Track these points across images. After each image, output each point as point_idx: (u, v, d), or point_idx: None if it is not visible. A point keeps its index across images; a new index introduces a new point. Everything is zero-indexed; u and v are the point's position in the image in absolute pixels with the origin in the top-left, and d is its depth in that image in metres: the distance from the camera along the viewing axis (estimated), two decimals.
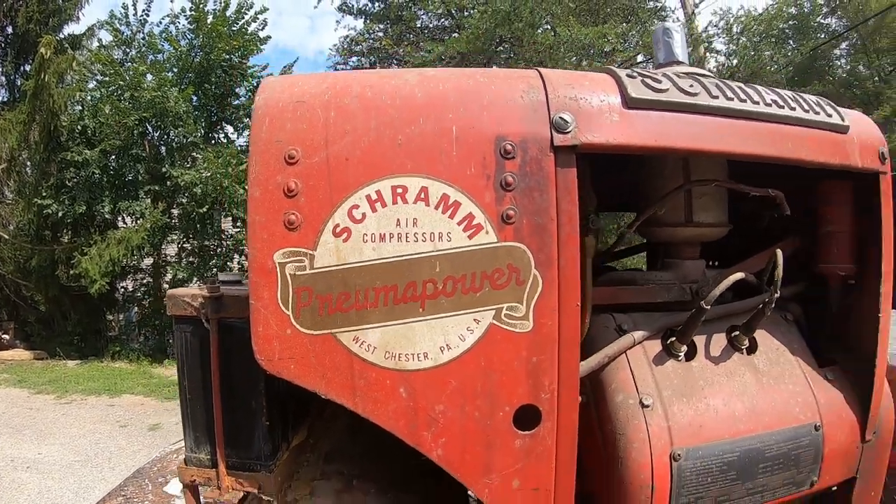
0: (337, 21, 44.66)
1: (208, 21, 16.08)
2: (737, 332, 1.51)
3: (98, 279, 15.23)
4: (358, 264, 1.10)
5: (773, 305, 1.54)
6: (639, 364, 1.40)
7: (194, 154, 17.95)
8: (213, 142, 19.23)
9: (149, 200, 16.81)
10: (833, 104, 1.52)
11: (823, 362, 1.63)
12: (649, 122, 1.23)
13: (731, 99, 1.31)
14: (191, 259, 18.41)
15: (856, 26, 22.36)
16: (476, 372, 1.14)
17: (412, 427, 1.14)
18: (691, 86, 1.29)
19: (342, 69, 23.05)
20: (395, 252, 1.11)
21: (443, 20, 20.83)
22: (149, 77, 16.30)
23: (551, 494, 1.21)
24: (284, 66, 21.39)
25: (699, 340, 1.50)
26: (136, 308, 19.47)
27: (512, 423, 1.16)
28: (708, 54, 17.46)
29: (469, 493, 1.90)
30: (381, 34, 21.98)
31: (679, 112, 1.26)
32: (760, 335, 1.57)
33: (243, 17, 17.06)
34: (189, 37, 16.91)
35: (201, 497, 1.62)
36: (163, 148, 18.20)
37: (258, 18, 17.50)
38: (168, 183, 17.30)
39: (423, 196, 1.11)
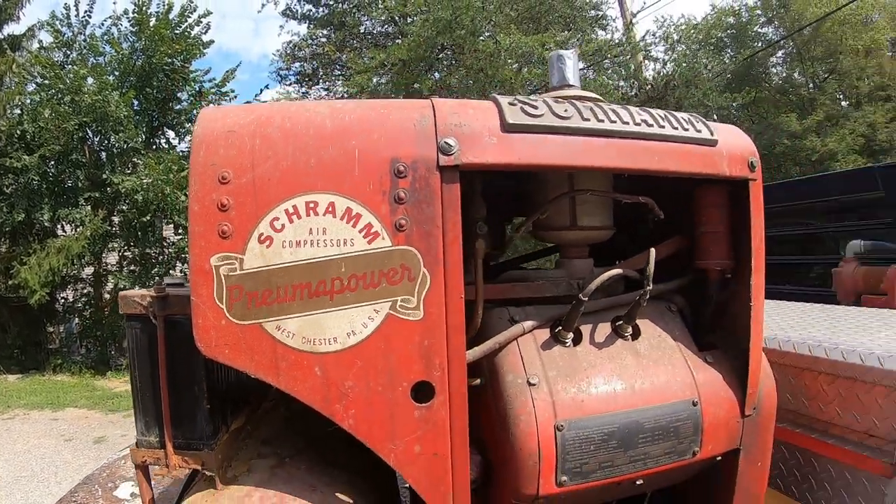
0: (280, 26, 44.97)
1: (151, 24, 16.03)
2: (620, 322, 1.82)
3: (38, 289, 15.08)
4: (279, 266, 1.37)
5: (654, 297, 1.86)
6: (528, 349, 1.69)
7: (135, 160, 17.87)
8: (154, 147, 19.14)
9: (89, 208, 16.69)
10: (704, 120, 1.84)
11: (704, 347, 1.94)
12: (524, 143, 1.52)
13: (602, 121, 1.60)
14: (132, 268, 18.27)
15: (791, 35, 23.26)
16: (377, 353, 1.42)
17: (326, 401, 1.41)
18: (566, 110, 1.58)
19: (285, 74, 23.08)
20: (309, 255, 1.38)
21: (386, 27, 21.04)
22: (90, 80, 16.20)
23: (448, 459, 1.49)
24: (227, 71, 21.25)
25: (586, 329, 1.81)
26: (76, 319, 19.24)
27: (410, 396, 1.45)
28: (645, 62, 18.00)
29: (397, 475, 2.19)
30: (324, 40, 22.10)
31: (552, 134, 1.55)
32: (644, 324, 1.88)
33: (186, 21, 17.02)
34: (131, 39, 16.82)
35: (151, 477, 1.87)
36: (103, 154, 18.05)
37: (201, 22, 17.45)
38: (108, 190, 17.19)
39: (330, 209, 1.39)
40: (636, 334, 1.84)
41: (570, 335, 1.76)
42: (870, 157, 20.14)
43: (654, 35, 19.07)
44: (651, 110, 1.76)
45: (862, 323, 2.75)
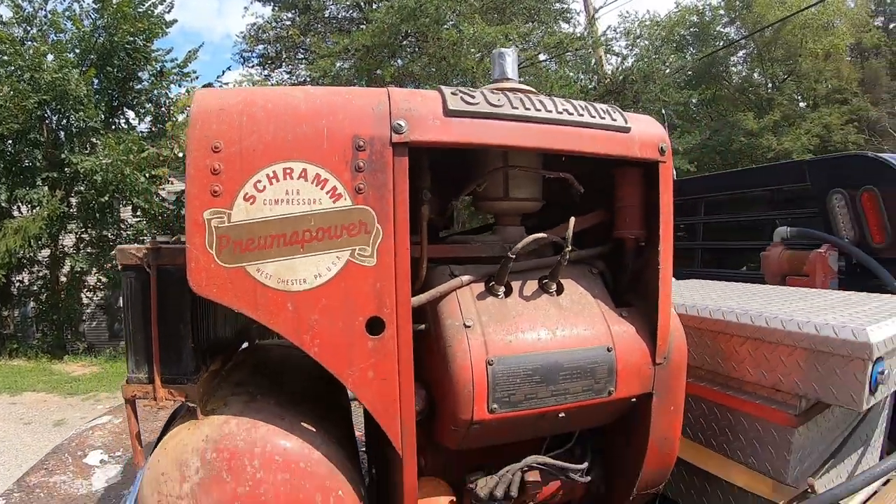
0: (245, 7, 44.90)
1: (114, 1, 15.94)
2: (546, 280, 2.18)
3: None
4: (260, 220, 1.70)
5: (578, 262, 2.26)
6: (465, 299, 2.05)
7: (93, 140, 17.78)
8: (112, 128, 19.04)
9: (46, 188, 16.58)
10: (620, 111, 2.20)
11: (620, 305, 2.30)
12: (462, 125, 1.88)
13: (529, 109, 1.96)
14: (89, 250, 18.20)
15: (752, 34, 23.85)
16: (338, 292, 1.76)
17: (296, 332, 1.74)
18: (499, 99, 1.94)
19: (248, 56, 23.12)
20: (285, 212, 1.71)
21: (351, 12, 21.17)
22: (49, 58, 16.05)
23: (396, 383, 1.83)
24: (189, 51, 21.14)
25: (516, 284, 2.17)
26: (32, 303, 19.10)
27: (365, 329, 1.79)
28: (606, 56, 18.46)
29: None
30: (288, 23, 22.13)
31: (485, 118, 1.91)
32: (568, 283, 2.24)
33: None
34: (93, 17, 16.74)
35: (138, 412, 2.18)
36: (61, 133, 17.91)
37: (164, 0, 17.44)
38: (67, 170, 17.07)
39: (303, 175, 1.72)
40: (560, 290, 2.21)
41: (502, 288, 2.12)
42: None
43: (615, 30, 19.50)
44: (573, 101, 2.12)
45: (775, 296, 3.14)
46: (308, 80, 19.63)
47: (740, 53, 27.78)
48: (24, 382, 13.63)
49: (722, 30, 27.26)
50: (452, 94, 1.90)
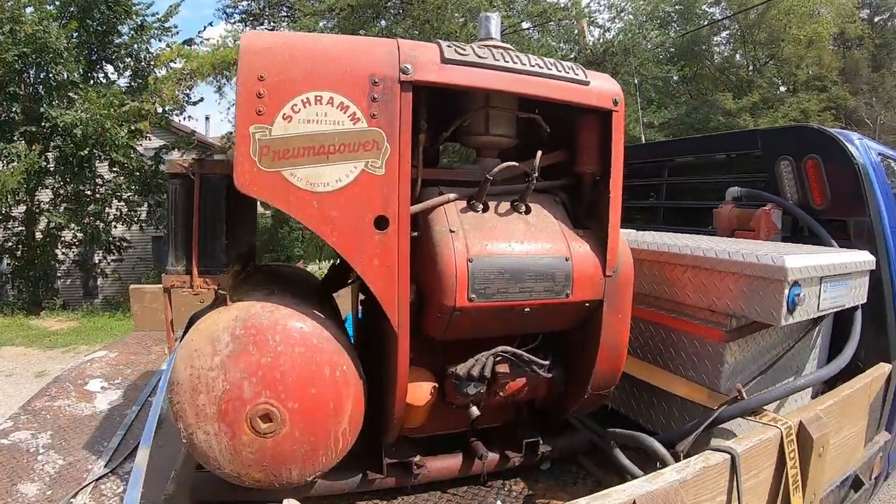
0: None
1: None
2: (517, 202, 2.70)
3: None
4: (294, 135, 2.18)
5: (544, 191, 2.79)
6: (450, 211, 2.56)
7: (71, 94, 17.84)
8: (91, 82, 19.09)
9: (23, 142, 16.63)
10: (583, 69, 2.72)
11: (578, 227, 2.81)
12: (454, 70, 2.39)
13: (508, 62, 2.48)
14: (66, 206, 18.31)
15: (736, 14, 24.10)
16: (354, 195, 2.26)
17: (319, 224, 2.24)
18: (484, 53, 2.45)
19: (231, 12, 23.12)
20: (314, 130, 2.20)
21: None
22: (29, 10, 16.14)
23: (395, 270, 2.34)
24: (170, 6, 21.13)
25: (493, 204, 2.68)
26: (7, 259, 19.28)
27: (373, 225, 2.30)
28: (589, 28, 18.82)
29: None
30: None
31: (473, 67, 2.43)
32: (535, 206, 2.75)
33: None
34: None
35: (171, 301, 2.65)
36: (40, 87, 17.91)
37: None
38: (45, 124, 17.13)
39: (330, 101, 2.21)
40: (528, 211, 2.72)
41: (480, 206, 2.64)
42: None
43: (599, 2, 19.74)
44: (545, 59, 2.63)
45: (716, 240, 3.68)
46: None
47: (723, 34, 28.16)
48: (2, 337, 13.83)
49: (707, 9, 27.62)
50: (448, 46, 2.40)
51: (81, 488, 2.86)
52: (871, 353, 3.73)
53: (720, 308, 3.09)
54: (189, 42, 20.81)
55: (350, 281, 3.22)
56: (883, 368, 3.57)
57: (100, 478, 2.99)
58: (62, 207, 18.82)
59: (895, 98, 28.27)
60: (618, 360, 2.89)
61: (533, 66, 2.54)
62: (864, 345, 3.65)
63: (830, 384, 3.40)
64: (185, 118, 21.74)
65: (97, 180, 19.20)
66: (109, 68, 20.69)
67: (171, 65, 19.30)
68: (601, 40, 18.38)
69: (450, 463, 2.95)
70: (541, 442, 3.04)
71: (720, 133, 8.11)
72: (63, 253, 20.06)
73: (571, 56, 18.25)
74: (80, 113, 16.56)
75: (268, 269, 3.23)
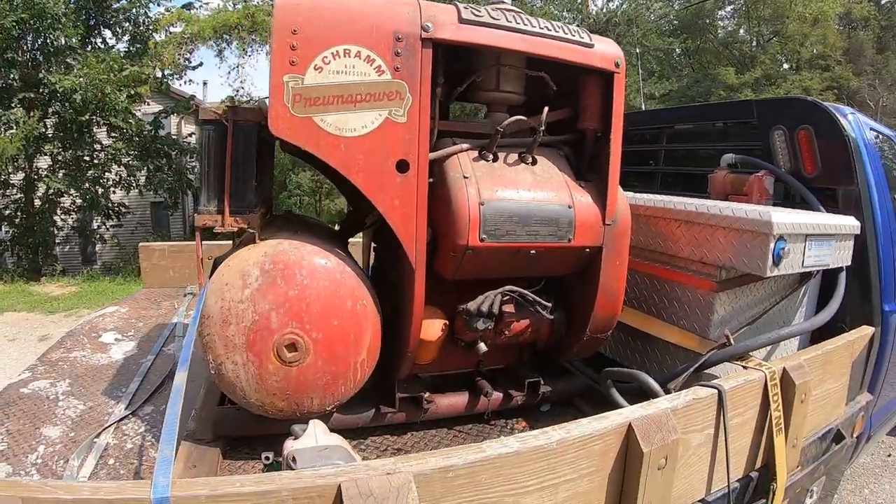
0: None
1: None
2: (524, 153, 2.94)
3: None
4: (325, 84, 2.40)
5: (550, 145, 3.03)
6: (464, 160, 2.79)
7: (69, 60, 17.87)
8: (89, 47, 19.11)
9: (21, 109, 16.66)
10: (588, 32, 2.95)
11: (580, 178, 3.05)
12: (470, 30, 2.61)
13: (518, 24, 2.71)
14: (64, 172, 18.39)
15: None
16: (378, 139, 2.49)
17: (345, 165, 2.47)
18: (497, 15, 2.68)
19: None
20: (343, 80, 2.42)
21: None
22: None
23: (414, 211, 2.58)
24: None
25: (502, 155, 2.91)
26: (6, 227, 19.40)
27: (395, 168, 2.53)
28: None
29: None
30: None
31: (486, 27, 2.65)
32: (541, 159, 2.99)
33: None
34: None
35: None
36: (38, 53, 17.91)
37: None
38: (43, 90, 17.17)
39: (358, 55, 2.43)
40: (534, 163, 2.96)
41: (490, 156, 2.87)
42: None
43: None
44: (552, 22, 2.87)
45: (708, 200, 3.92)
46: None
47: (728, 8, 28.11)
48: (3, 304, 13.92)
49: None
50: (465, 7, 2.63)
51: (104, 429, 3.02)
52: (855, 319, 3.95)
53: (711, 260, 3.34)
54: (188, 6, 20.86)
55: (367, 225, 3.44)
56: (866, 330, 3.79)
57: (121, 419, 3.16)
58: (60, 174, 18.89)
59: None
60: (615, 305, 3.14)
61: (542, 28, 2.78)
62: (850, 311, 3.94)
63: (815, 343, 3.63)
64: (185, 82, 21.83)
65: (95, 146, 19.27)
66: (107, 33, 20.67)
67: (171, 29, 19.40)
68: (604, 10, 18.51)
69: (456, 400, 3.20)
70: (542, 382, 3.29)
71: (717, 102, 8.31)
72: (62, 219, 20.18)
73: (575, 25, 18.33)
74: (80, 78, 16.60)
75: (287, 216, 3.44)
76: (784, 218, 3.13)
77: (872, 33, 29.56)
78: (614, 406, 3.06)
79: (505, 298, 3.00)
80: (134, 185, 20.62)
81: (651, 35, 17.94)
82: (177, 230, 25.70)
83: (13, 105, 16.74)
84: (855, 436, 4.02)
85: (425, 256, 2.65)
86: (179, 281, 6.21)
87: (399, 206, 2.56)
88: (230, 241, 4.10)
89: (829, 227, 3.50)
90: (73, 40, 17.78)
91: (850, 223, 3.73)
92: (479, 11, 2.66)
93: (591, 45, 2.90)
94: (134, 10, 20.18)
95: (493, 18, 2.67)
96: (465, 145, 2.85)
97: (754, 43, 27.40)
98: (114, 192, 20.48)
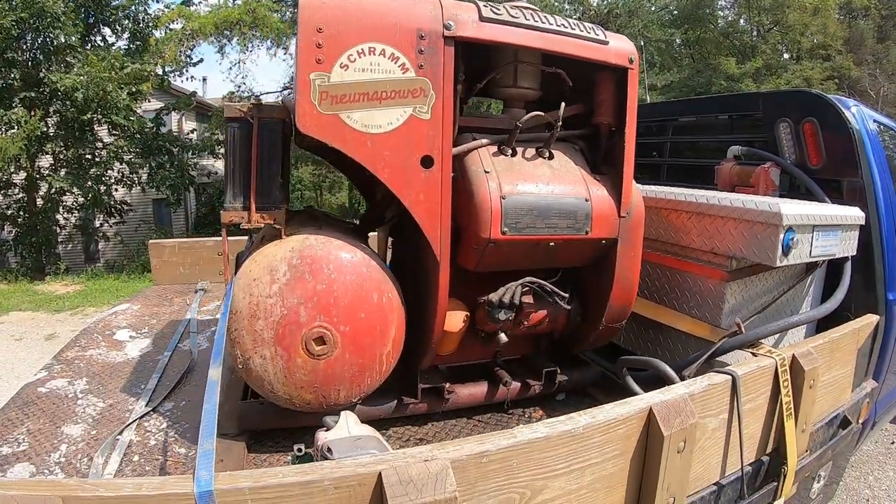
0: None
1: None
2: (541, 148, 3.01)
3: None
4: (350, 81, 2.46)
5: (565, 139, 3.09)
6: (484, 155, 2.87)
7: (68, 59, 17.89)
8: (89, 46, 19.13)
9: (22, 109, 16.64)
10: (602, 29, 3.01)
11: (595, 172, 3.13)
12: (490, 28, 2.68)
13: (536, 21, 2.78)
14: (66, 170, 18.43)
15: None
16: (403, 136, 2.55)
17: (372, 162, 2.53)
18: (515, 14, 2.74)
19: None
20: (369, 78, 2.48)
21: None
22: None
23: (439, 205, 2.65)
24: None
25: (521, 150, 2.98)
26: (8, 226, 19.43)
27: (420, 163, 2.59)
28: None
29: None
30: None
31: (506, 25, 2.72)
32: (557, 153, 3.06)
33: None
34: None
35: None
36: (38, 52, 17.90)
37: None
38: (44, 89, 17.18)
39: (382, 52, 2.49)
40: (551, 157, 3.03)
41: (510, 151, 2.95)
42: None
43: None
44: (568, 19, 2.93)
45: (718, 192, 4.00)
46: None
47: None
48: (8, 303, 13.90)
49: None
50: (484, 6, 2.70)
51: (126, 426, 3.03)
52: (860, 308, 4.03)
53: (722, 251, 3.43)
54: (188, 2, 20.87)
55: (386, 220, 3.51)
56: (871, 319, 3.87)
57: (143, 416, 3.19)
58: (62, 172, 18.92)
59: None
60: (630, 294, 3.23)
61: (558, 26, 2.85)
62: (854, 299, 4.02)
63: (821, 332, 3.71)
64: (187, 79, 21.86)
65: (97, 144, 19.30)
66: (107, 31, 20.73)
67: (171, 26, 19.43)
68: (605, 1, 18.51)
69: (476, 390, 3.29)
70: (558, 371, 3.37)
71: (723, 94, 8.38)
72: (65, 218, 20.23)
73: (575, 17, 18.39)
74: (81, 76, 16.62)
75: (308, 212, 3.50)
76: (793, 209, 3.22)
77: (873, 22, 29.52)
78: (629, 394, 3.15)
79: (525, 290, 3.07)
80: (136, 182, 20.67)
81: (652, 26, 17.95)
82: (179, 227, 25.69)
83: (14, 105, 16.77)
84: (860, 422, 4.09)
85: (449, 246, 2.73)
86: (190, 277, 6.25)
87: (424, 200, 2.63)
88: (241, 237, 4.14)
89: (835, 217, 3.59)
90: (73, 39, 17.79)
91: (855, 214, 3.80)
92: (499, 9, 2.73)
93: (605, 42, 2.97)
94: (133, 8, 20.21)
95: (513, 16, 2.74)
96: (484, 140, 2.93)
97: (755, 33, 27.38)
98: (116, 189, 20.54)
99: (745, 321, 3.30)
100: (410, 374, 3.12)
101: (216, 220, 24.72)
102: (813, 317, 3.62)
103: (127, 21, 20.50)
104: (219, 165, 24.94)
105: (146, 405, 3.32)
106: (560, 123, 2.98)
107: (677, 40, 23.59)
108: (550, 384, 3.38)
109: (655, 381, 3.07)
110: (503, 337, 3.12)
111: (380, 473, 1.65)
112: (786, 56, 27.59)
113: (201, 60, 21.29)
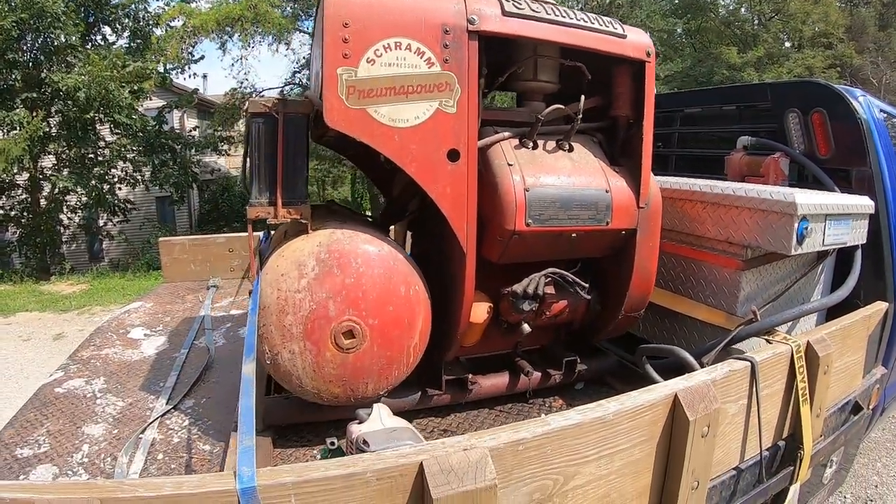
0: None
1: None
2: (561, 140, 3.05)
3: None
4: (377, 76, 2.49)
5: (585, 132, 3.12)
6: (506, 148, 2.90)
7: (69, 59, 17.90)
8: (90, 45, 19.15)
9: (24, 109, 16.64)
10: (620, 24, 3.05)
11: (614, 164, 3.17)
12: (513, 22, 2.72)
13: (557, 16, 2.82)
14: (69, 170, 18.44)
15: None
16: (430, 130, 2.59)
17: (399, 155, 2.56)
18: (537, 8, 2.78)
19: None
20: (395, 72, 2.51)
21: None
22: None
23: (465, 198, 2.68)
24: None
25: (541, 142, 3.02)
26: (12, 228, 19.50)
27: (446, 157, 2.63)
28: None
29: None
30: None
31: (527, 19, 2.75)
32: (577, 145, 3.10)
33: None
34: None
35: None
36: (38, 53, 17.89)
37: None
38: (45, 90, 17.18)
39: (408, 47, 2.52)
40: (571, 149, 3.07)
41: (531, 143, 2.99)
42: None
43: None
44: (588, 14, 2.97)
45: (730, 182, 4.04)
46: None
47: None
48: (14, 304, 13.87)
49: None
50: (506, 1, 2.74)
51: (148, 424, 3.04)
52: (869, 295, 4.09)
53: (737, 240, 3.48)
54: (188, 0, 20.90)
55: (407, 214, 3.55)
56: (880, 306, 3.93)
57: (164, 413, 3.20)
58: (65, 172, 18.92)
59: None
60: (649, 284, 3.28)
61: (578, 20, 2.89)
62: (864, 287, 4.06)
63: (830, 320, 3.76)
64: (190, 76, 21.91)
65: (100, 143, 19.32)
66: (107, 30, 20.74)
67: (172, 24, 19.44)
68: None
69: (498, 381, 3.33)
70: (578, 361, 3.42)
71: (732, 85, 8.40)
72: (68, 217, 20.25)
73: (577, 7, 18.42)
74: (83, 76, 16.63)
75: (328, 206, 3.53)
76: (807, 199, 3.27)
77: (875, 10, 29.42)
78: (647, 382, 3.16)
79: (547, 280, 3.11)
80: (139, 180, 20.70)
81: (655, 16, 17.98)
82: (182, 224, 25.73)
83: (16, 106, 16.76)
84: (871, 407, 4.15)
85: (475, 238, 2.76)
86: (201, 274, 6.27)
87: (450, 193, 2.67)
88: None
89: (846, 206, 3.64)
90: (74, 38, 17.79)
91: (865, 203, 3.85)
92: (521, 4, 2.76)
93: (623, 36, 3.01)
94: (133, 6, 20.21)
95: (534, 11, 2.78)
96: (506, 133, 2.97)
97: (756, 21, 27.32)
98: (119, 188, 20.57)
99: (760, 309, 3.33)
100: (434, 366, 3.15)
101: (220, 216, 24.79)
102: (826, 304, 3.67)
103: (127, 20, 20.50)
104: (221, 162, 24.97)
105: (167, 403, 3.34)
106: (580, 116, 3.01)
107: (678, 30, 23.54)
108: (570, 373, 3.44)
109: (672, 369, 3.12)
110: (526, 327, 3.16)
111: (421, 463, 1.68)
112: (787, 45, 27.55)
113: (203, 57, 21.32)
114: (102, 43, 20.14)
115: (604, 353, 3.72)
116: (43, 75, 17.03)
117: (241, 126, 24.54)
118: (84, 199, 19.15)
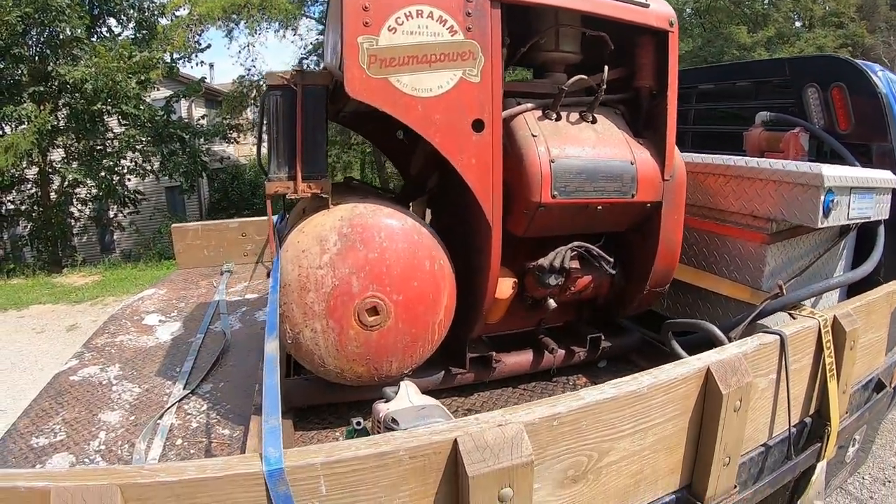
0: None
1: None
2: (585, 112, 2.98)
3: None
4: (399, 45, 2.42)
5: (608, 104, 3.05)
6: (530, 119, 2.84)
7: (75, 52, 17.89)
8: (95, 37, 19.14)
9: (31, 104, 16.62)
10: None
11: (638, 135, 3.10)
12: None
13: None
14: (77, 162, 18.50)
15: None
16: (454, 100, 2.52)
17: (423, 125, 2.50)
18: None
19: None
20: (417, 40, 2.45)
21: None
22: None
23: (490, 168, 2.62)
24: None
25: (564, 114, 2.95)
26: (23, 222, 19.49)
27: (471, 127, 2.56)
28: None
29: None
30: None
31: None
32: (600, 117, 3.03)
33: None
34: None
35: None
36: (44, 46, 17.89)
37: None
38: (52, 83, 17.18)
39: (430, 15, 2.45)
40: (595, 121, 3.00)
41: (554, 115, 2.91)
42: None
43: None
44: None
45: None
46: None
47: None
48: (27, 297, 13.85)
49: None
50: None
51: (166, 410, 3.01)
52: (890, 272, 4.02)
53: (762, 213, 3.42)
54: None
55: (427, 189, 3.49)
56: None
57: (182, 399, 3.17)
58: (74, 164, 18.94)
59: None
60: (674, 257, 3.21)
61: None
62: (886, 264, 3.99)
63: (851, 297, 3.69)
64: (196, 64, 21.85)
65: (108, 134, 19.32)
66: (112, 21, 20.71)
67: (177, 13, 19.40)
68: None
69: (522, 358, 3.26)
70: (602, 338, 3.36)
71: (749, 61, 8.31)
72: (79, 210, 20.28)
73: None
74: (90, 68, 16.62)
75: (346, 183, 3.48)
76: (833, 171, 3.22)
77: None
78: (672, 359, 3.10)
79: (572, 254, 3.04)
80: (149, 170, 20.70)
81: None
82: (193, 213, 25.73)
83: (23, 100, 16.76)
84: (893, 386, 4.08)
85: (501, 209, 2.70)
86: (214, 260, 6.21)
87: (476, 164, 2.60)
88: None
89: (870, 180, 3.56)
90: (79, 31, 17.76)
91: (888, 177, 3.78)
92: None
93: (646, 5, 2.92)
94: None
95: None
96: (529, 105, 2.90)
97: (766, 1, 27.05)
98: (129, 179, 20.58)
99: (786, 284, 3.27)
100: (457, 344, 3.08)
101: (230, 205, 24.80)
102: (852, 278, 3.60)
103: (132, 10, 20.46)
104: (230, 150, 24.92)
105: (184, 388, 3.30)
106: (604, 87, 2.93)
107: (688, 10, 23.32)
108: (594, 351, 3.37)
109: (697, 345, 3.05)
110: (552, 303, 3.10)
111: (455, 440, 1.62)
112: (798, 24, 27.33)
113: (209, 46, 21.28)
114: (108, 35, 20.09)
115: (626, 330, 3.65)
116: (49, 69, 16.97)
117: (249, 114, 24.53)
118: (94, 190, 19.15)
